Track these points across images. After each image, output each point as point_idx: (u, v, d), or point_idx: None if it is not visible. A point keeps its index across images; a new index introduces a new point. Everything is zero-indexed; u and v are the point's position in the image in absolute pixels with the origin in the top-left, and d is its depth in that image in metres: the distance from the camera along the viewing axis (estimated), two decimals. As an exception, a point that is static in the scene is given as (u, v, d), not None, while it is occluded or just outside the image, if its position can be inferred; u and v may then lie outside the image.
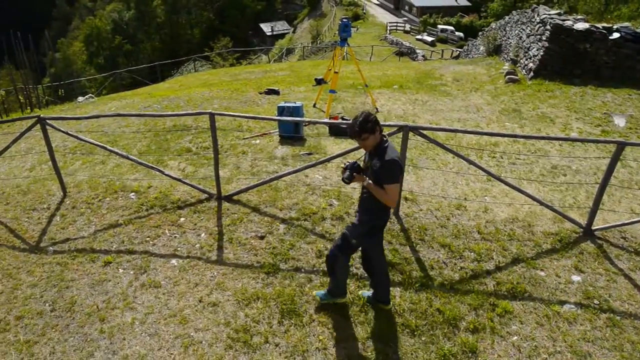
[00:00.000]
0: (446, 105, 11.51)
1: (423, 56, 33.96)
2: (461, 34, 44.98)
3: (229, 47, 45.95)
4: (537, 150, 8.37)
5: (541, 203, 5.97)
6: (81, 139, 6.89)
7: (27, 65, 17.08)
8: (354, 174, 4.01)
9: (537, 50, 13.02)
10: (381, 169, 3.88)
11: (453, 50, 35.31)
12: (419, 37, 45.66)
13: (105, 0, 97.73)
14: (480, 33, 21.75)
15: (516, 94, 12.04)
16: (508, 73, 13.61)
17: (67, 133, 6.87)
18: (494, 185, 7.06)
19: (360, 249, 4.59)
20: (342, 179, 4.05)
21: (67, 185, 7.21)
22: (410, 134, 5.84)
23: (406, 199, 6.57)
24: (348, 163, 4.07)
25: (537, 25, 13.26)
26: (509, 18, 16.92)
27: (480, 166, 6.02)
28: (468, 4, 58.20)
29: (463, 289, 5.03)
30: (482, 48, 19.36)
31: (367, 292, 4.86)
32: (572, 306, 4.84)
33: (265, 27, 67.93)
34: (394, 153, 3.96)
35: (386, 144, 3.97)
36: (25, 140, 9.23)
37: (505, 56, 16.06)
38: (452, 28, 46.46)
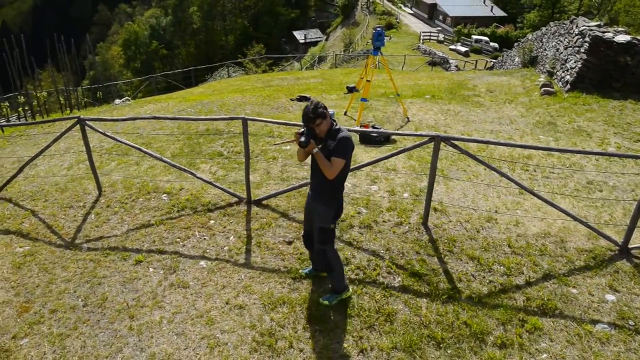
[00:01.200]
0: (479, 117, 11.37)
1: (456, 66, 33.68)
2: (496, 45, 44.42)
3: (262, 53, 46.55)
4: (572, 165, 8.18)
5: (575, 219, 5.83)
6: (118, 140, 7.09)
7: (68, 68, 17.63)
8: (311, 139, 4.21)
9: (575, 62, 12.74)
10: (337, 145, 4.19)
11: (487, 61, 34.89)
12: (452, 47, 45.32)
13: (144, 6, 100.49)
14: (515, 44, 21.42)
15: (551, 106, 11.80)
16: (544, 85, 13.36)
17: (104, 134, 7.08)
18: (526, 199, 6.93)
19: (304, 227, 4.90)
20: (299, 143, 4.21)
21: (103, 185, 7.42)
22: (442, 145, 5.79)
23: (435, 209, 6.51)
24: (303, 129, 4.26)
25: (576, 37, 12.99)
26: (546, 29, 16.62)
27: (512, 179, 5.92)
28: (504, 14, 57.50)
29: (491, 302, 4.95)
30: (517, 59, 19.06)
31: (307, 269, 5.28)
32: (606, 326, 4.70)
33: (299, 35, 68.59)
34: (347, 133, 4.28)
35: (337, 126, 4.32)
36: (65, 139, 9.54)
37: (541, 68, 15.77)
38: (486, 38, 45.93)
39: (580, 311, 4.87)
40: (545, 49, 16.03)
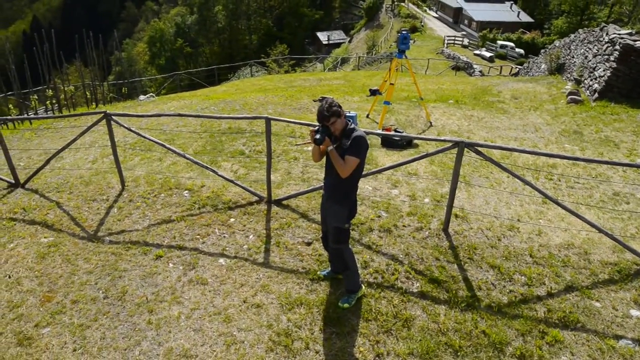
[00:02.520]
0: (503, 123, 11.23)
1: (480, 71, 33.32)
2: (521, 51, 43.83)
3: (285, 54, 46.67)
4: (598, 175, 8.02)
5: (600, 230, 5.70)
6: (142, 136, 7.19)
7: (95, 63, 17.95)
8: (325, 136, 4.21)
9: (604, 70, 12.49)
10: (351, 144, 4.19)
11: (512, 67, 34.46)
12: (477, 52, 44.86)
13: (170, 4, 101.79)
14: (542, 51, 21.11)
15: (578, 115, 11.59)
16: (570, 93, 13.13)
17: (129, 129, 7.18)
18: (549, 209, 6.82)
19: (322, 228, 4.91)
20: (314, 140, 4.21)
21: (126, 179, 7.53)
22: (465, 151, 5.73)
23: (456, 216, 6.44)
24: (319, 127, 4.25)
25: (605, 45, 12.73)
26: (575, 36, 16.34)
27: (536, 187, 5.82)
28: (530, 20, 56.71)
29: (511, 312, 4.87)
30: (543, 66, 18.77)
31: (325, 270, 5.28)
32: (630, 342, 4.59)
33: (322, 36, 68.68)
34: (361, 132, 4.29)
35: (352, 126, 4.32)
36: (90, 133, 9.72)
37: (569, 75, 15.50)
38: (512, 44, 45.36)
39: (603, 325, 4.77)
40: (573, 57, 15.75)
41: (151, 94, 20.16)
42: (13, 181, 7.84)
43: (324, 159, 4.56)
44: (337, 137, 4.31)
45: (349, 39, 67.43)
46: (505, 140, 9.91)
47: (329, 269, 5.30)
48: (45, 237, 6.25)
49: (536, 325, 4.71)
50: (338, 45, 64.73)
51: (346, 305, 4.85)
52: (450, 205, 6.01)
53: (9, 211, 7.03)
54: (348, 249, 4.73)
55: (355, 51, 53.53)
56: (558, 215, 6.64)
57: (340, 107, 4.23)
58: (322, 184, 6.62)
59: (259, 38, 74.80)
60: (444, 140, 5.94)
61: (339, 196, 4.49)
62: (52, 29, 17.07)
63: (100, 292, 5.19)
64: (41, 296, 5.15)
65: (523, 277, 5.39)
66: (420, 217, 6.40)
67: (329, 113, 4.16)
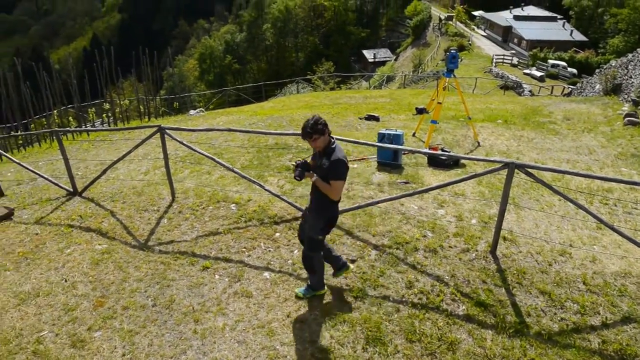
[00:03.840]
0: (554, 145, 10.90)
1: (530, 91, 32.54)
2: (574, 70, 42.47)
3: (331, 71, 47.16)
4: (658, 201, 7.64)
5: (660, 259, 5.42)
6: (194, 150, 7.42)
7: (149, 78, 18.76)
8: (305, 172, 4.49)
9: (664, 92, 11.96)
10: (329, 167, 4.42)
11: (564, 87, 33.44)
12: (526, 71, 43.82)
13: (221, 22, 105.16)
14: (597, 70, 20.42)
15: (636, 137, 11.12)
16: (628, 115, 12.62)
17: (181, 142, 7.43)
18: (604, 234, 6.54)
19: (303, 239, 5.07)
20: (294, 177, 4.51)
21: (176, 191, 7.77)
22: (515, 172, 5.60)
23: (505, 238, 6.27)
24: (298, 161, 4.54)
25: (666, 66, 12.21)
26: (633, 56, 15.75)
27: (590, 212, 5.61)
28: (584, 39, 54.98)
29: (563, 342, 4.68)
30: (598, 86, 18.15)
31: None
32: (693, 380, 4.32)
33: (368, 54, 69.02)
34: (341, 153, 4.48)
35: (334, 145, 4.50)
36: (143, 146, 10.09)
37: (625, 96, 14.92)
38: (564, 63, 44.04)
39: (663, 360, 4.50)
40: (631, 77, 15.17)
41: (201, 108, 20.80)
42: (72, 189, 8.25)
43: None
44: (319, 154, 4.54)
45: (395, 57, 67.45)
46: (557, 163, 9.61)
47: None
48: (99, 244, 6.52)
49: (590, 357, 4.50)
50: (384, 63, 64.82)
51: (301, 294, 5.19)
52: (498, 227, 5.86)
53: (67, 218, 7.38)
54: (319, 257, 4.98)
55: (401, 69, 53.47)
56: (614, 242, 6.35)
57: (326, 125, 4.40)
58: (367, 202, 6.67)
59: (306, 55, 76.00)
60: (493, 161, 5.82)
61: (320, 210, 4.74)
62: (110, 46, 17.98)
63: (149, 299, 5.35)
64: (94, 301, 5.36)
65: (576, 305, 5.17)
66: (467, 238, 6.28)
67: (312, 130, 4.33)
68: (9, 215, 7.63)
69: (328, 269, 5.25)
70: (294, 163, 4.64)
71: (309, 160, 4.77)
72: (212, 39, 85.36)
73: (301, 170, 4.50)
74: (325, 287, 5.30)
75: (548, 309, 5.12)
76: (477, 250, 6.04)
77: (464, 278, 5.54)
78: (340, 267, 5.18)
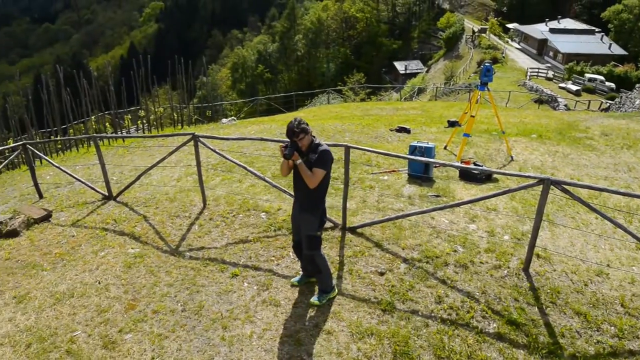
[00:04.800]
0: (591, 161, 10.62)
1: (565, 105, 31.82)
2: (612, 85, 41.34)
3: (361, 82, 47.24)
4: (702, 222, 7.33)
5: None
6: (226, 158, 7.53)
7: (184, 87, 19.17)
8: (294, 151, 4.67)
9: None
10: (317, 157, 4.71)
11: (602, 102, 32.60)
12: (562, 85, 42.90)
13: (254, 32, 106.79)
14: (637, 85, 19.85)
15: (678, 155, 10.73)
16: (669, 132, 12.21)
17: (214, 151, 7.55)
18: (644, 255, 6.31)
19: (294, 237, 5.33)
20: (284, 155, 4.69)
21: (207, 198, 7.87)
22: (550, 188, 5.47)
23: (538, 256, 6.12)
24: (287, 142, 4.72)
25: None
26: (675, 71, 15.24)
27: (629, 231, 5.43)
28: (623, 52, 53.49)
29: (599, 365, 4.52)
30: (638, 102, 17.64)
31: (297, 278, 5.62)
32: None
33: (399, 66, 68.82)
34: (327, 147, 4.79)
35: (317, 141, 4.83)
36: (176, 153, 10.29)
37: (667, 113, 14.44)
38: (601, 78, 42.94)
39: None
40: (672, 93, 14.68)
41: (233, 117, 21.10)
42: (107, 194, 8.47)
43: (292, 175, 5.01)
44: (304, 152, 4.78)
45: (426, 69, 67.08)
46: (594, 179, 9.35)
47: (301, 275, 5.66)
48: (132, 248, 6.66)
49: (627, 382, 4.33)
50: (415, 74, 64.55)
51: (317, 302, 5.24)
52: (532, 245, 5.73)
53: (101, 221, 7.58)
54: (320, 255, 5.10)
55: (433, 81, 53.13)
56: (654, 264, 6.12)
57: (307, 124, 4.72)
58: (398, 215, 6.62)
59: (337, 66, 76.36)
60: (528, 177, 5.70)
61: (310, 207, 4.94)
62: (147, 55, 18.47)
63: (179, 304, 5.42)
64: (126, 303, 5.47)
65: (613, 327, 4.99)
66: (499, 254, 6.15)
67: (298, 129, 4.64)
68: (47, 217, 7.88)
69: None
70: (282, 145, 4.78)
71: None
72: (245, 49, 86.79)
73: (291, 149, 4.66)
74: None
75: (583, 330, 4.96)
76: (509, 267, 5.91)
77: (496, 295, 5.42)
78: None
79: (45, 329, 5.12)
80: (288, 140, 4.74)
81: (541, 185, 5.44)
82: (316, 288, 5.55)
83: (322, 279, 5.25)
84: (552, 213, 7.43)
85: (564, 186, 5.44)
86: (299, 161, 4.74)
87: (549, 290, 5.52)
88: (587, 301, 5.37)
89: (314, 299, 5.30)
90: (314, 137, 4.88)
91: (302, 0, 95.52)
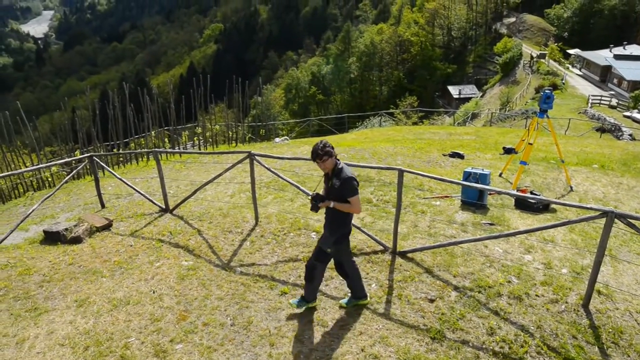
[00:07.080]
0: (658, 195, 10.04)
1: (630, 135, 30.32)
2: (682, 115, 39.07)
3: (414, 105, 47.02)
4: None
5: None
6: (280, 177, 7.67)
7: (240, 105, 19.77)
8: (319, 203, 4.95)
9: None
10: (342, 187, 4.86)
11: (670, 133, 30.83)
12: (627, 113, 40.94)
13: (308, 54, 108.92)
14: None
15: None
16: None
17: (268, 169, 7.71)
18: None
19: (334, 259, 5.40)
20: (310, 209, 5.01)
21: (260, 216, 8.02)
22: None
23: (599, 292, 5.81)
24: (313, 194, 5.01)
25: None
26: None
27: (703, 272, 5.08)
28: (695, 81, 50.56)
29: (666, 415, 4.21)
30: None
31: (345, 300, 5.64)
32: None
33: (453, 90, 68.06)
34: (349, 171, 4.94)
35: (340, 166, 4.96)
36: (230, 170, 10.59)
37: None
38: (670, 107, 40.71)
39: None
40: None
41: (286, 137, 21.50)
42: (164, 206, 8.79)
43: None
44: (329, 175, 5.01)
45: (481, 93, 65.96)
46: (662, 214, 8.82)
47: (349, 296, 5.66)
48: (186, 261, 6.86)
49: None
50: (468, 99, 63.53)
51: (294, 305, 5.47)
52: (593, 280, 5.45)
53: (158, 233, 7.86)
54: (322, 267, 5.30)
55: (488, 106, 52.12)
56: None
57: (332, 148, 4.88)
58: (450, 242, 6.52)
59: (389, 89, 76.55)
60: (590, 209, 5.46)
61: (333, 226, 5.14)
62: (207, 75, 19.22)
63: (229, 318, 5.51)
64: (178, 314, 5.62)
65: (682, 374, 4.66)
66: (556, 288, 5.89)
67: (322, 152, 4.81)
68: (108, 226, 8.26)
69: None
70: (310, 196, 5.08)
71: (320, 191, 5.24)
72: (299, 70, 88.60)
73: (315, 202, 4.95)
74: (316, 300, 5.60)
75: (649, 375, 4.65)
76: (567, 302, 5.64)
77: (552, 330, 5.19)
78: (359, 297, 5.56)
79: (102, 333, 5.34)
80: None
81: (604, 218, 5.20)
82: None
83: (310, 289, 5.43)
84: (615, 248, 7.06)
85: (630, 220, 5.17)
86: (332, 205, 4.95)
87: (610, 330, 5.22)
88: (653, 344, 5.04)
89: (292, 301, 5.54)
90: (338, 160, 5.02)
91: (358, 23, 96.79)
